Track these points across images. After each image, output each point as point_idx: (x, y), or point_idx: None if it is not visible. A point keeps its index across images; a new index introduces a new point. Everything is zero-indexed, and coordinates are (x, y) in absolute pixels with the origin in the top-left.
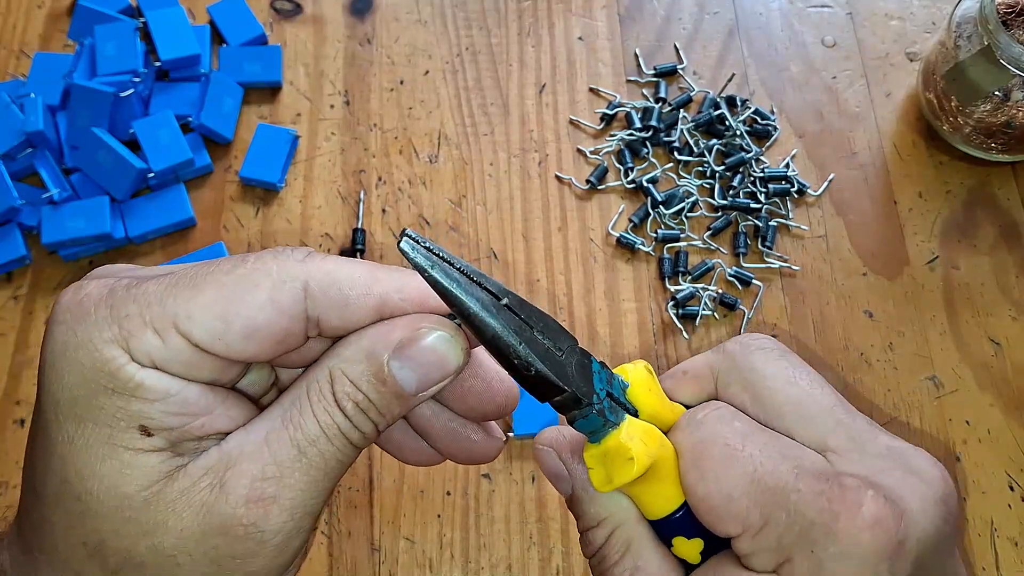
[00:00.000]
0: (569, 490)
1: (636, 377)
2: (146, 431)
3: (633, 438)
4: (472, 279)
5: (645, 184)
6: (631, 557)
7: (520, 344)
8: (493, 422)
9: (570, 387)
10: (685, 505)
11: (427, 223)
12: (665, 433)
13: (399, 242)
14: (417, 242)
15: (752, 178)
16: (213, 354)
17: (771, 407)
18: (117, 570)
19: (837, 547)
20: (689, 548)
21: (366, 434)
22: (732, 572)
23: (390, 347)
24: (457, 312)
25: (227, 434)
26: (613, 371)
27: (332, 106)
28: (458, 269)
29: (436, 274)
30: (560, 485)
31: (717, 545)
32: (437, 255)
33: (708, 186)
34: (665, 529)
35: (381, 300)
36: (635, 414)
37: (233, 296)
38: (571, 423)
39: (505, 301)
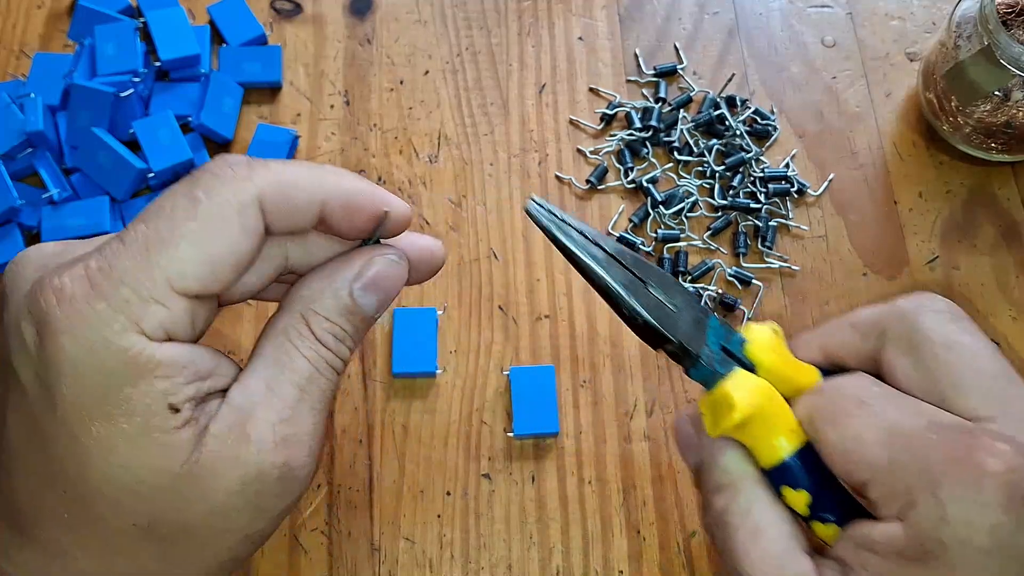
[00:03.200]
0: (695, 460)
1: (757, 336)
2: (174, 408)
3: (737, 387)
4: (589, 239)
5: (645, 184)
6: (751, 519)
7: (629, 296)
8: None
9: (677, 337)
10: (795, 457)
11: (427, 223)
12: (791, 399)
13: (525, 205)
14: (541, 206)
15: (752, 178)
16: (210, 296)
17: (932, 370)
18: (168, 538)
19: (962, 490)
20: (797, 499)
21: (345, 360)
22: (865, 526)
23: (350, 278)
24: (575, 266)
25: (222, 391)
26: (738, 330)
27: (332, 106)
28: (577, 230)
29: (558, 234)
30: (687, 454)
31: (824, 500)
32: (558, 218)
33: (708, 186)
34: (775, 478)
35: (324, 201)
36: (751, 369)
37: (211, 239)
38: (686, 372)
39: (620, 259)
